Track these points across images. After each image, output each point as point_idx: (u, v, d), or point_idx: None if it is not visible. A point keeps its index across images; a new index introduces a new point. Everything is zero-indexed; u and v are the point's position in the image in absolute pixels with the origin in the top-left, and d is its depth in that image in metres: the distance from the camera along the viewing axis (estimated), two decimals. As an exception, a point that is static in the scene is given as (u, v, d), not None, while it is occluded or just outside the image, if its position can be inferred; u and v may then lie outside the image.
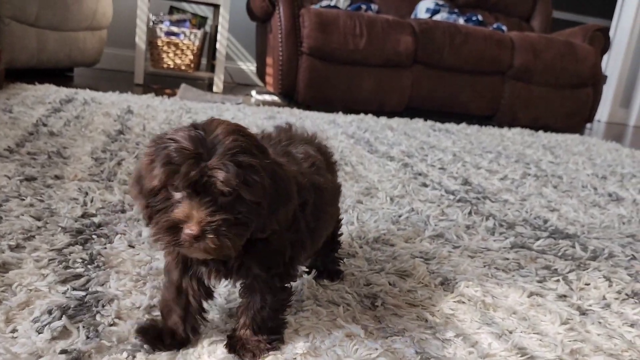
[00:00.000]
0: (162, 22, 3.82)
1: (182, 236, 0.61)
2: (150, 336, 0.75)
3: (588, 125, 4.82)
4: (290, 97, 3.63)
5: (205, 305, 0.79)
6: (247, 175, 0.63)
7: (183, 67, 3.81)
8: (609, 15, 5.78)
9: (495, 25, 4.32)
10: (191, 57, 3.80)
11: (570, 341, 0.90)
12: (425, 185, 1.81)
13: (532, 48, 3.98)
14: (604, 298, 1.09)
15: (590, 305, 1.05)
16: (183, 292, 0.75)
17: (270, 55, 3.66)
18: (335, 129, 2.67)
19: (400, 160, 2.14)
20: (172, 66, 3.80)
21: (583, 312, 1.02)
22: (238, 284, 0.78)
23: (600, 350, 0.89)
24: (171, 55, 3.77)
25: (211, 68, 4.13)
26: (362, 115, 3.30)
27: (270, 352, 0.76)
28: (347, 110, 3.44)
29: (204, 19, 4.04)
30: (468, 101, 3.97)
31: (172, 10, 4.10)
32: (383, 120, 3.22)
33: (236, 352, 0.75)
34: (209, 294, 0.78)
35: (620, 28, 5.51)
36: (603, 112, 5.57)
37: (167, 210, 0.63)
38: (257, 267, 0.72)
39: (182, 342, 0.76)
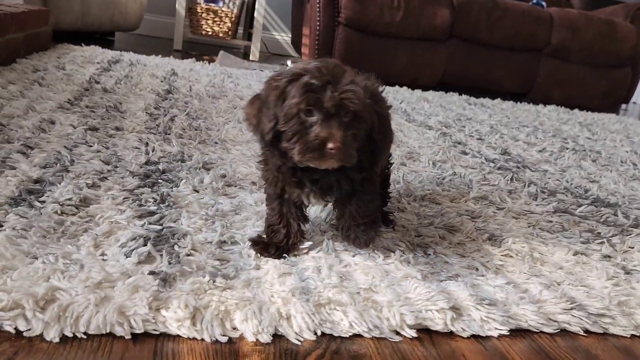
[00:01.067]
0: (200, -12, 3.86)
1: (326, 151, 0.77)
2: (259, 246, 0.90)
3: (623, 106, 4.74)
4: (325, 67, 3.64)
5: (302, 227, 0.94)
6: (373, 96, 0.81)
7: (221, 35, 3.85)
8: (652, -5, 5.61)
9: (534, 1, 4.25)
10: (229, 24, 3.83)
11: (616, 295, 0.94)
12: (465, 153, 1.83)
13: (571, 25, 3.90)
14: (648, 260, 1.12)
15: (634, 266, 1.08)
16: (284, 217, 0.91)
17: (307, 25, 3.67)
18: (372, 99, 2.69)
19: (439, 129, 2.16)
20: (210, 33, 3.84)
21: (628, 272, 1.05)
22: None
23: (646, 303, 0.92)
24: (210, 22, 3.81)
25: (248, 37, 4.16)
26: (397, 87, 3.32)
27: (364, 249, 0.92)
28: (380, 83, 3.45)
29: (241, -13, 4.06)
30: (502, 78, 3.93)
31: (210, -23, 4.12)
32: (418, 92, 3.23)
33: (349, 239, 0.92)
34: (305, 218, 0.94)
35: (663, 8, 5.35)
36: (640, 95, 5.45)
37: (306, 131, 0.78)
38: (346, 183, 0.87)
39: (283, 254, 0.90)
